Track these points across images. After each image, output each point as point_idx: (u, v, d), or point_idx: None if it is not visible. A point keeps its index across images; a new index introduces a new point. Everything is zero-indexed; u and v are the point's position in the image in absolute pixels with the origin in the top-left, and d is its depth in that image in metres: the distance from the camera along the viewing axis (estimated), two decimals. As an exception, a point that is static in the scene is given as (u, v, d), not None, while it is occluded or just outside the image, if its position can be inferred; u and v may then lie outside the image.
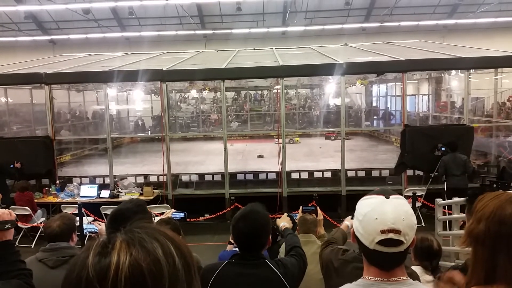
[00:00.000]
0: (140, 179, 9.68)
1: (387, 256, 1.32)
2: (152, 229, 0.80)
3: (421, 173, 9.11)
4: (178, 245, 0.80)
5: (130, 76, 9.75)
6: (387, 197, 1.36)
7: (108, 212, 6.54)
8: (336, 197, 9.10)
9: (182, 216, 3.58)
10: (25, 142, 9.30)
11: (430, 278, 2.98)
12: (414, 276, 2.21)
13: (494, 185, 7.96)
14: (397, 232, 1.29)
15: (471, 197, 2.57)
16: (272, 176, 9.49)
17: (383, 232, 1.29)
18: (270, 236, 2.40)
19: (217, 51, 15.10)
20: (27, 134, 11.83)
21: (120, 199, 8.41)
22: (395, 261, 1.35)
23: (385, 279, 1.35)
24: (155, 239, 0.76)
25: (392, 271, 1.36)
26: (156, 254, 0.73)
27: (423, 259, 3.10)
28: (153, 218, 2.49)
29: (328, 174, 9.54)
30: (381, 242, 1.30)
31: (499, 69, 10.34)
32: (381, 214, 1.31)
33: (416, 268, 3.03)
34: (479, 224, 1.36)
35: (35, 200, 8.45)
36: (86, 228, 5.24)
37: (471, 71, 9.41)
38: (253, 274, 2.20)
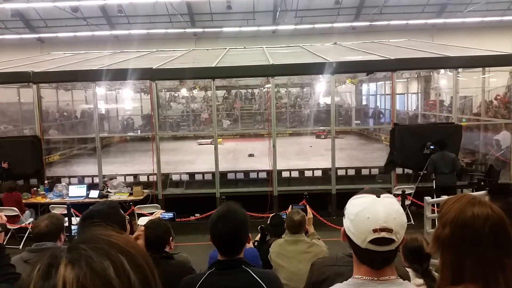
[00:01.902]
0: (130, 179, 9.61)
1: (379, 255, 1.33)
2: (102, 241, 0.71)
3: (410, 171, 9.18)
4: (134, 257, 0.71)
5: (119, 75, 9.66)
6: (378, 196, 1.37)
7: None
8: (326, 195, 9.13)
9: (171, 217, 3.56)
10: (12, 142, 9.17)
11: (420, 281, 2.85)
12: (406, 276, 2.22)
13: (482, 183, 8.09)
14: (389, 230, 1.30)
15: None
16: (263, 175, 9.50)
17: (375, 231, 1.29)
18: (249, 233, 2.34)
19: (207, 49, 15.03)
20: (14, 133, 11.67)
21: (109, 199, 8.34)
22: (386, 260, 1.36)
23: (375, 278, 1.36)
24: (105, 255, 0.68)
25: (382, 270, 1.36)
26: (106, 276, 0.65)
27: (413, 262, 2.95)
28: (135, 220, 2.44)
29: (318, 173, 9.56)
30: (373, 241, 1.30)
31: (487, 68, 10.45)
32: (373, 213, 1.32)
33: None
34: (445, 229, 1.40)
35: (23, 201, 8.34)
36: (74, 229, 5.18)
37: (460, 70, 9.50)
38: (235, 286, 2.11)
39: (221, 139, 13.16)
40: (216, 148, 9.23)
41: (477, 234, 1.32)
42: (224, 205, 2.29)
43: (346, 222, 1.40)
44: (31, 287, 0.65)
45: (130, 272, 0.68)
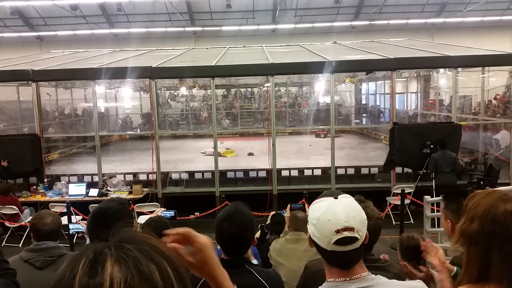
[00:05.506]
0: (129, 177, 9.61)
1: (346, 255, 1.35)
2: (145, 243, 0.69)
3: (409, 170, 9.19)
4: (175, 265, 0.69)
5: (118, 73, 9.65)
6: (336, 198, 1.40)
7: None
8: (326, 194, 9.11)
9: (172, 215, 3.56)
10: (12, 140, 9.15)
11: None
12: (402, 272, 2.23)
13: (481, 182, 8.09)
14: (351, 229, 1.32)
15: (448, 195, 2.57)
16: (263, 174, 9.50)
17: (338, 231, 1.32)
18: (255, 235, 2.33)
19: (207, 48, 15.03)
20: (14, 132, 11.66)
21: (109, 197, 8.32)
22: (354, 258, 1.38)
23: (347, 279, 1.38)
24: (150, 259, 0.66)
25: (352, 269, 1.39)
26: (154, 281, 0.63)
27: (410, 259, 3.08)
28: (134, 218, 2.39)
29: (318, 172, 9.56)
30: (337, 242, 1.33)
31: (486, 68, 10.46)
32: (333, 214, 1.34)
33: None
34: (472, 223, 1.38)
35: (22, 199, 8.38)
36: (72, 228, 5.17)
37: (459, 69, 9.51)
38: (238, 285, 2.12)
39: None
40: (215, 147, 9.22)
41: (508, 231, 1.31)
42: (232, 206, 2.26)
43: (310, 228, 1.42)
44: (76, 283, 0.62)
45: (174, 280, 0.66)
